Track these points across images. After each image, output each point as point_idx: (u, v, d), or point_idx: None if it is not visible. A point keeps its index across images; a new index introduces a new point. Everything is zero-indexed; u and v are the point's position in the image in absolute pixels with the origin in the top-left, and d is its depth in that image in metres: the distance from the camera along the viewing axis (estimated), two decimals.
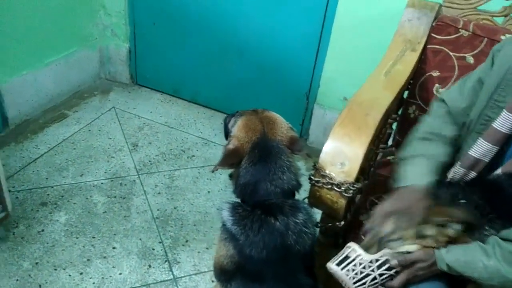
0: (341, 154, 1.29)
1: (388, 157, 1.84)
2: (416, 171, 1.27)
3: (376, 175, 1.73)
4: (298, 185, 1.28)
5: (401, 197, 1.22)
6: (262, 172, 1.23)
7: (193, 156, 2.65)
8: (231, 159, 1.26)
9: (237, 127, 1.29)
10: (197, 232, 2.16)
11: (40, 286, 1.83)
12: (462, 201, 1.17)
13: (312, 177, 1.29)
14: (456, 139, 1.35)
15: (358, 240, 1.36)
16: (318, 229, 1.35)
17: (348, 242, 1.22)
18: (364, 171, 1.44)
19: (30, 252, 1.96)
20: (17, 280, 1.84)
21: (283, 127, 1.30)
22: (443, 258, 1.13)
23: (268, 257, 1.17)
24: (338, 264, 1.19)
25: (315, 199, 1.34)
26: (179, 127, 2.89)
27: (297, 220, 1.20)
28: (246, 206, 1.25)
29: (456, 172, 1.27)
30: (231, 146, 1.25)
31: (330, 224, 1.40)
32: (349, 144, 1.30)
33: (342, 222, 1.38)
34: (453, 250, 1.14)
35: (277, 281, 1.17)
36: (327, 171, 1.27)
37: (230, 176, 1.35)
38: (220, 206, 1.30)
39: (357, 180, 1.29)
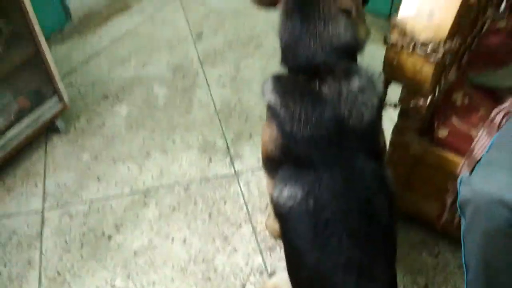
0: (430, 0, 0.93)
1: (498, 25, 1.42)
2: None
3: (479, 46, 1.34)
4: (355, 42, 0.96)
5: None
6: (299, 25, 0.93)
7: (261, 44, 2.36)
8: None
9: None
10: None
11: (98, 178, 1.75)
12: None
13: (387, 38, 0.97)
14: None
15: (447, 125, 1.04)
16: (385, 103, 1.04)
17: (435, 128, 0.91)
18: (460, 28, 1.06)
19: (90, 145, 1.88)
20: (76, 172, 1.78)
21: None
22: None
23: (315, 134, 0.90)
24: None
25: (391, 68, 1.02)
26: (247, 12, 2.57)
27: (351, 87, 0.91)
28: (289, 74, 0.98)
29: None
30: None
31: (412, 103, 1.08)
32: None
33: (429, 99, 1.06)
34: None
35: (330, 165, 0.91)
36: (409, 27, 0.93)
37: None
38: (264, 81, 1.03)
39: (450, 38, 0.94)
